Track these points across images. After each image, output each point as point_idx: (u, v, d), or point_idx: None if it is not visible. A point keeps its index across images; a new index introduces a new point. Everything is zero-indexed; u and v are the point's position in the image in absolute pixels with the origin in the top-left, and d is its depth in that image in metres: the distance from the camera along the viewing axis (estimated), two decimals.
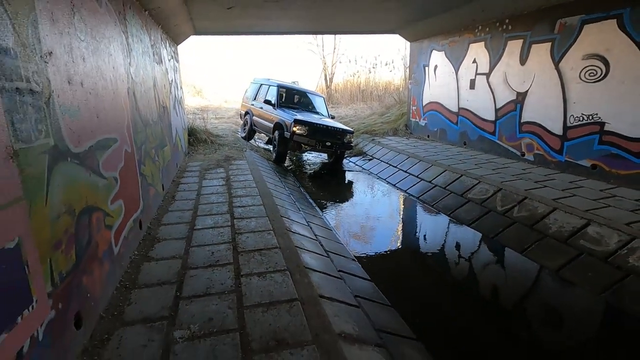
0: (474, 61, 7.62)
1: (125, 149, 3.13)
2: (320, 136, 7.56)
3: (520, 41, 6.39)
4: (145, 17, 4.63)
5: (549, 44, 5.85)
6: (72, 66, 2.15)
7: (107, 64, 2.83)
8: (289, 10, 7.05)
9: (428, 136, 9.65)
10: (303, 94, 9.55)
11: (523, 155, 6.59)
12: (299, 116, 7.65)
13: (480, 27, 7.33)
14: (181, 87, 8.13)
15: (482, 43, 7.33)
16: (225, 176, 5.97)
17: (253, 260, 3.02)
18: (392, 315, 2.90)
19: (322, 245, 3.84)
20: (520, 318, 3.22)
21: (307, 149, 7.98)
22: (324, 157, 9.51)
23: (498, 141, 7.15)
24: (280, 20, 8.11)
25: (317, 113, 8.99)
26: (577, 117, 5.51)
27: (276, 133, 7.96)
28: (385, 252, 4.49)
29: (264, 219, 4.03)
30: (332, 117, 9.25)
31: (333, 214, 5.82)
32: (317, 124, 7.59)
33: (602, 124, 5.16)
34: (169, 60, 6.50)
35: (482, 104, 7.50)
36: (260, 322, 2.20)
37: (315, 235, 4.11)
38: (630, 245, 3.43)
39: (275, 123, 8.05)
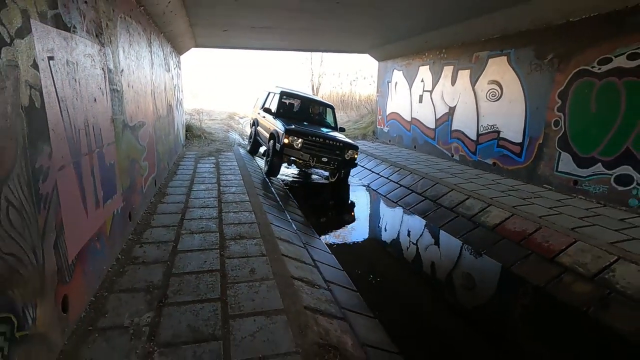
0: (422, 80, 9.42)
1: (149, 130, 4.75)
2: (317, 150, 6.59)
3: (452, 67, 8.20)
4: (161, 38, 6.28)
5: (468, 71, 7.65)
6: (129, 77, 3.79)
7: (142, 74, 4.47)
8: (274, 33, 8.78)
9: (390, 141, 11.40)
10: (309, 103, 8.43)
11: (452, 156, 8.35)
12: (293, 126, 6.72)
13: (426, 54, 9.15)
14: (182, 90, 9.75)
15: (428, 66, 9.14)
16: (215, 162, 7.58)
17: (231, 207, 4.63)
18: (331, 258, 4.53)
19: (274, 192, 5.47)
20: (428, 272, 4.87)
21: (300, 164, 6.96)
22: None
23: (436, 145, 8.92)
24: (267, 40, 9.82)
25: (323, 125, 8.01)
26: (484, 126, 7.30)
27: (270, 143, 7.13)
28: (329, 214, 6.13)
29: (242, 187, 5.65)
30: (342, 130, 8.13)
31: (286, 178, 7.45)
32: (312, 135, 6.61)
33: (498, 132, 6.94)
34: (174, 69, 8.13)
35: (427, 115, 9.28)
36: (232, 227, 3.83)
37: (271, 184, 5.74)
38: (488, 209, 5.13)
39: (270, 133, 7.22)
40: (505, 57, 6.68)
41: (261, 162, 8.80)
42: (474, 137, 7.63)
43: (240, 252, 3.32)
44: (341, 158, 6.76)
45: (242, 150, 9.70)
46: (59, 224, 1.99)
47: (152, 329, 2.16)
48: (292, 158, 6.66)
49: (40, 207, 1.79)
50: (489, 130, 7.19)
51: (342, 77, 20.04)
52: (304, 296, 2.71)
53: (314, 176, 8.76)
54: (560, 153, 5.70)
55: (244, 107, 20.16)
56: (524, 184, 6.26)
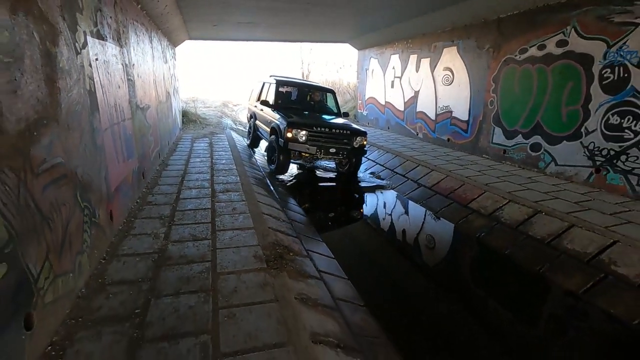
0: (393, 67, 10.51)
1: (153, 112, 5.87)
2: (323, 141, 6.26)
3: (416, 55, 9.29)
4: (159, 34, 7.32)
5: (429, 59, 8.75)
6: (138, 69, 4.90)
7: (146, 67, 5.56)
8: (259, 27, 9.80)
9: (368, 123, 12.54)
10: (308, 90, 8.01)
11: (417, 134, 9.51)
12: (295, 118, 6.38)
13: (396, 44, 10.21)
14: (177, 79, 10.78)
15: (397, 55, 10.22)
16: (209, 142, 8.71)
17: (221, 173, 5.79)
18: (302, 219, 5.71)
19: (258, 164, 6.64)
20: (387, 234, 6.07)
21: (307, 158, 6.65)
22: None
23: (405, 125, 10.07)
24: (253, 32, 10.83)
25: (326, 112, 7.67)
26: (440, 107, 8.44)
27: (272, 138, 6.80)
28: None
29: (230, 160, 6.80)
30: (346, 115, 7.78)
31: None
32: (316, 126, 6.28)
33: (451, 112, 8.09)
34: (170, 60, 9.17)
35: (397, 99, 10.40)
36: (221, 185, 5.01)
37: (256, 160, 6.91)
38: (430, 174, 6.31)
39: (271, 127, 6.85)
40: (455, 47, 7.78)
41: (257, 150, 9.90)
42: (433, 117, 8.78)
43: (226, 199, 4.51)
44: (350, 146, 6.42)
45: (233, 133, 10.81)
46: (106, 165, 3.16)
47: (166, 235, 3.36)
48: (299, 152, 6.32)
49: (98, 151, 2.95)
50: (444, 110, 8.34)
51: (329, 65, 20.97)
52: (270, 223, 3.91)
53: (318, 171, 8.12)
54: (494, 128, 6.88)
55: (236, 95, 21.11)
56: (468, 155, 7.46)
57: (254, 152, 8.32)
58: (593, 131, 5.08)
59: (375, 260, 4.20)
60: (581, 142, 5.26)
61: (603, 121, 4.94)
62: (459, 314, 3.23)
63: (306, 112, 7.17)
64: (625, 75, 4.63)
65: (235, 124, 13.88)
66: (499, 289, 3.66)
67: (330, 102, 7.96)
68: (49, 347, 1.89)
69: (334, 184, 7.21)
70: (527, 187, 5.18)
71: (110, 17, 3.78)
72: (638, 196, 4.59)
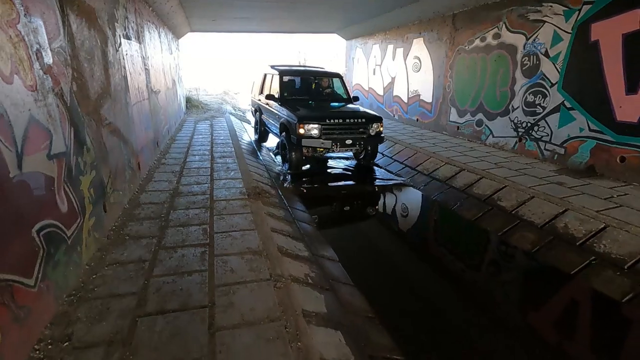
0: (375, 56, 11.65)
1: (163, 96, 7.15)
2: (338, 133, 5.91)
3: (392, 45, 10.44)
4: (165, 29, 8.54)
5: (402, 48, 9.91)
6: (152, 60, 6.16)
7: (157, 58, 6.82)
8: (253, 21, 10.96)
9: None
10: (314, 77, 7.48)
11: (394, 116, 10.73)
12: (305, 111, 6.06)
13: (376, 35, 11.34)
14: (181, 69, 12.00)
15: (378, 45, 11.35)
16: (210, 124, 9.99)
17: (219, 145, 7.08)
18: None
19: (252, 142, 7.92)
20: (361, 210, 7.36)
21: (323, 153, 6.21)
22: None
23: (384, 108, 11.27)
24: (249, 25, 11.98)
25: (335, 99, 7.25)
26: (411, 92, 9.64)
27: (283, 136, 6.42)
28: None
29: (228, 137, 8.09)
30: (356, 100, 7.23)
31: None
32: (329, 117, 5.91)
33: (419, 95, 9.29)
34: (175, 51, 10.39)
35: (378, 85, 11.58)
36: (218, 153, 6.32)
37: (249, 136, 8.20)
38: (393, 146, 7.57)
39: (281, 123, 6.45)
40: (422, 38, 8.94)
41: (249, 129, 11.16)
42: (406, 100, 9.98)
43: (222, 162, 5.81)
44: (366, 135, 6.07)
45: (232, 118, 12.07)
46: (134, 130, 4.46)
47: (177, 181, 4.68)
48: (312, 148, 5.91)
49: (130, 119, 4.25)
50: (414, 94, 9.54)
51: (323, 53, 22.02)
52: (255, 176, 5.21)
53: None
54: (450, 108, 8.10)
55: (236, 84, 22.26)
56: (431, 132, 8.69)
57: (261, 147, 8.12)
58: (517, 108, 6.29)
59: (328, 208, 5.50)
60: (509, 117, 6.48)
61: (523, 100, 6.14)
62: (388, 238, 4.55)
63: (315, 102, 6.81)
64: (537, 62, 5.82)
65: (235, 110, 15.12)
66: (424, 221, 4.97)
67: (338, 88, 7.51)
68: (114, 227, 3.23)
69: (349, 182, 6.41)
70: (465, 154, 6.43)
71: (133, 22, 5.03)
72: (545, 158, 5.83)
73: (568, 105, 5.36)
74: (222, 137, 7.96)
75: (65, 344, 1.85)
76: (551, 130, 5.67)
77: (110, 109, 3.49)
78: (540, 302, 3.17)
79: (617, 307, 2.88)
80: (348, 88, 8.14)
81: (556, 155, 5.63)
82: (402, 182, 6.20)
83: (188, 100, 12.58)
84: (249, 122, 12.45)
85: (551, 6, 5.47)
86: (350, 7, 9.11)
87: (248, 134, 9.50)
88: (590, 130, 5.08)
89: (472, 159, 6.05)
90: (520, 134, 6.28)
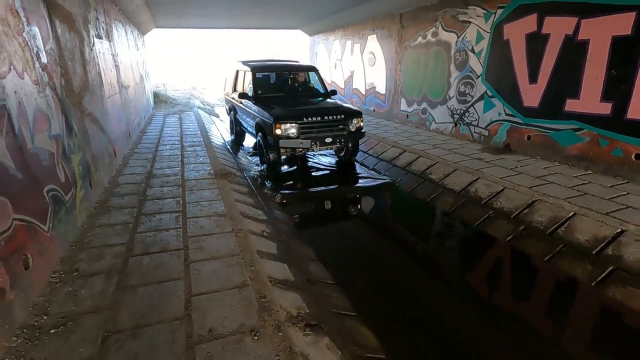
0: (335, 51, 12.41)
1: (132, 91, 7.56)
2: (317, 131, 5.65)
3: (350, 41, 11.22)
4: (131, 26, 8.88)
5: (359, 44, 10.71)
6: (121, 57, 6.59)
7: (125, 55, 7.22)
8: (217, 17, 11.38)
9: None
10: (289, 72, 7.20)
11: None
12: (280, 110, 5.72)
13: (336, 31, 12.09)
14: (147, 64, 12.24)
15: (338, 40, 12.11)
16: (179, 117, 10.41)
17: (189, 137, 7.60)
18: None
19: (220, 134, 8.48)
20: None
21: (302, 153, 5.96)
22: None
23: (346, 100, 12.07)
24: (215, 21, 12.38)
25: (313, 94, 6.97)
26: (368, 84, 10.49)
27: (259, 136, 6.17)
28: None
29: (197, 129, 8.59)
30: (334, 93, 7.04)
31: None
32: (307, 115, 5.59)
33: (375, 87, 10.15)
34: (141, 47, 10.67)
35: (339, 78, 12.36)
36: (188, 143, 6.86)
37: (217, 128, 8.75)
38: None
39: (256, 123, 6.16)
40: (375, 35, 9.77)
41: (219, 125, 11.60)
42: (364, 92, 10.83)
43: (191, 150, 6.38)
44: (347, 131, 5.84)
45: (200, 111, 12.48)
46: (109, 121, 4.97)
47: (151, 166, 5.24)
48: (294, 149, 5.62)
49: (105, 111, 4.76)
50: (370, 87, 10.39)
51: (290, 48, 22.57)
52: (221, 162, 5.83)
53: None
54: (401, 98, 9.00)
55: (204, 80, 22.39)
56: (385, 121, 9.57)
57: (240, 147, 8.05)
58: (453, 97, 7.25)
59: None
60: (447, 106, 7.43)
61: (457, 90, 7.10)
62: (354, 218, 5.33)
63: (291, 99, 6.47)
64: (466, 57, 6.77)
65: (204, 105, 15.46)
66: (368, 194, 5.80)
67: (315, 82, 7.28)
68: (99, 201, 3.81)
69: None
70: (410, 138, 7.33)
71: (103, 22, 5.49)
72: (475, 140, 6.82)
73: (490, 94, 6.34)
74: (191, 129, 8.46)
75: (75, 274, 2.48)
76: (478, 116, 6.65)
77: (89, 101, 4.02)
78: (454, 248, 4.06)
79: (501, 245, 3.80)
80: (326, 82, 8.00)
81: (482, 137, 6.62)
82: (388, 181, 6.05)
83: (156, 95, 12.84)
84: (217, 116, 12.90)
85: (475, 9, 6.41)
86: (310, 4, 9.78)
87: (216, 127, 10.02)
88: (506, 114, 6.08)
89: (414, 142, 6.95)
90: (455, 119, 7.25)
